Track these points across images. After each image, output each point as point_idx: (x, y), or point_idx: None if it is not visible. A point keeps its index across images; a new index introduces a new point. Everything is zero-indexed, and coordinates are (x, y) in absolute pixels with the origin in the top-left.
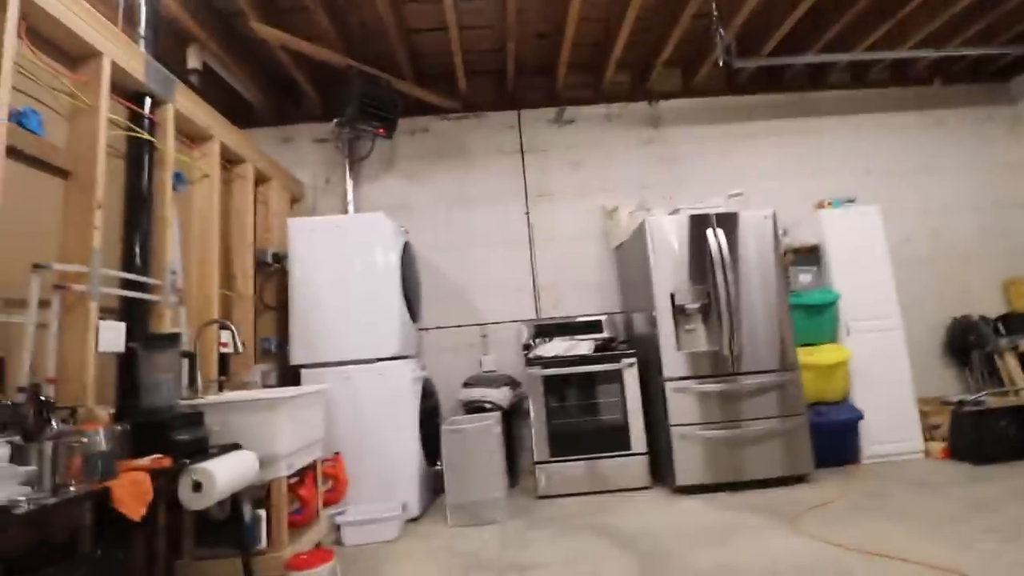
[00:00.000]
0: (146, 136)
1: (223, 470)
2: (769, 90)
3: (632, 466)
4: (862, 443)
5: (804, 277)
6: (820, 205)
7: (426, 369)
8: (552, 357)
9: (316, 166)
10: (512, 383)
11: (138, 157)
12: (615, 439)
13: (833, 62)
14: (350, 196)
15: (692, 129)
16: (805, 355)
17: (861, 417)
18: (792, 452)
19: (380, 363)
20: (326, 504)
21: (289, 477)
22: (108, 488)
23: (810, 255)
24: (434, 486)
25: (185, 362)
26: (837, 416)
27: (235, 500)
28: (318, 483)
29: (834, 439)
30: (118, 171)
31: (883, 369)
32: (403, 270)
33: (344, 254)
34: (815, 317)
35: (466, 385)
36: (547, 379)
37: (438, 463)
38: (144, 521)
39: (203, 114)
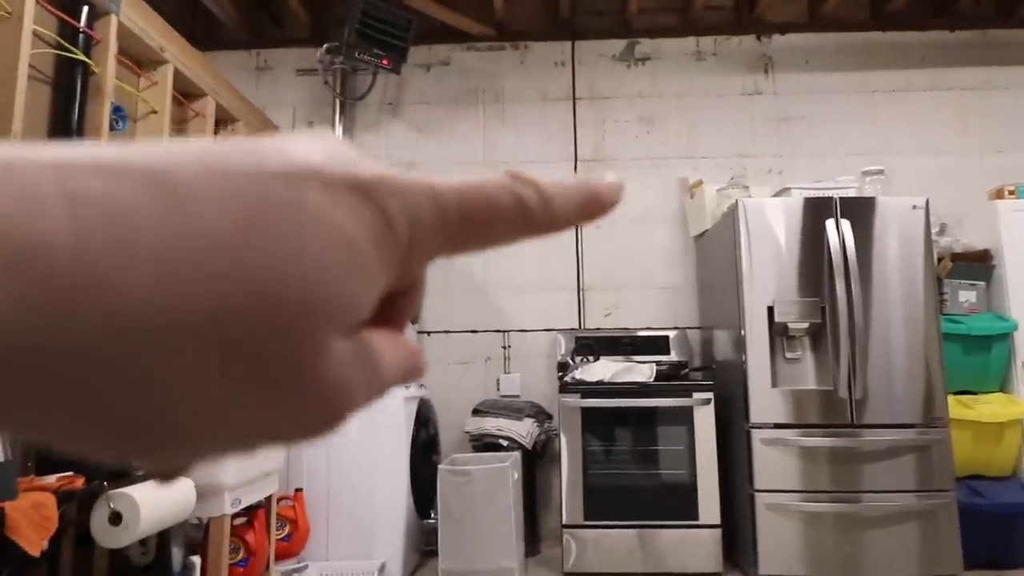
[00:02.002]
0: (80, 56)
1: (150, 499)
2: (934, 24)
3: (698, 543)
4: None
5: (967, 295)
6: (998, 194)
7: (424, 387)
8: (597, 383)
9: (298, 105)
10: (539, 414)
11: (69, 83)
12: (676, 503)
13: None
14: None
15: (816, 77)
16: (960, 407)
17: None
18: (932, 544)
19: None
20: (280, 556)
21: (234, 516)
22: (2, 511)
23: (977, 264)
24: (425, 545)
25: None
26: (1002, 497)
27: (162, 540)
28: (271, 527)
29: (995, 530)
30: (42, 100)
31: None
32: None
33: None
34: (978, 353)
35: (477, 413)
36: (588, 412)
37: (432, 515)
38: (44, 558)
39: (155, 31)
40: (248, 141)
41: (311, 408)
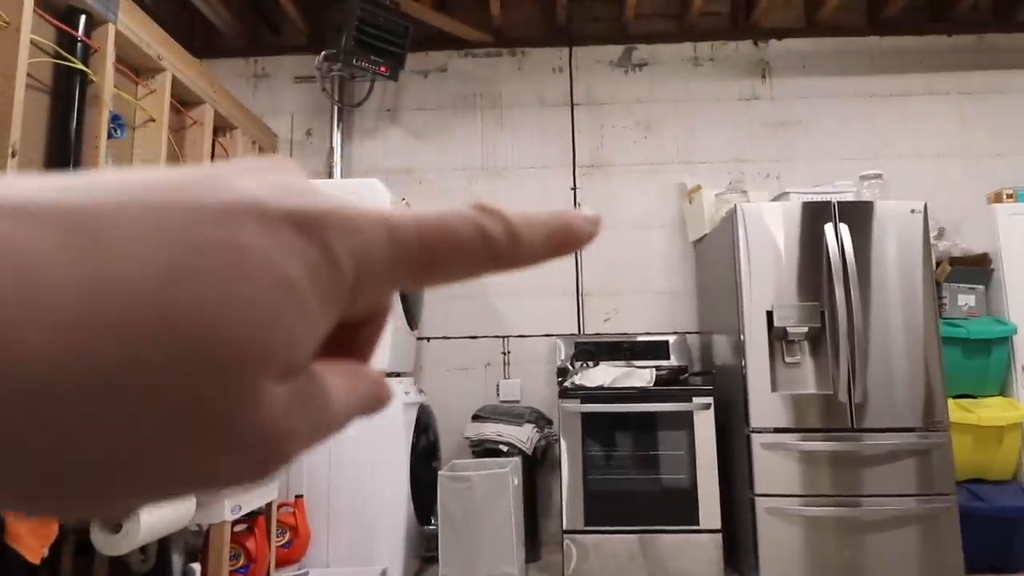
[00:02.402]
0: (78, 65)
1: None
2: (931, 29)
3: (699, 547)
4: None
5: (966, 299)
6: (996, 198)
7: (424, 393)
8: (596, 388)
9: (296, 112)
10: (539, 419)
11: (67, 92)
12: (677, 508)
13: None
14: (338, 154)
15: (814, 82)
16: (960, 410)
17: None
18: (932, 548)
19: None
20: (280, 563)
21: (234, 523)
22: (2, 520)
23: (976, 268)
24: (425, 551)
25: None
26: (1002, 501)
27: (163, 548)
28: (271, 534)
29: (996, 534)
30: (40, 109)
31: None
32: None
33: None
34: (978, 357)
35: (477, 418)
36: (588, 417)
37: (432, 521)
38: (44, 566)
39: (152, 39)
40: (195, 172)
41: (245, 456)
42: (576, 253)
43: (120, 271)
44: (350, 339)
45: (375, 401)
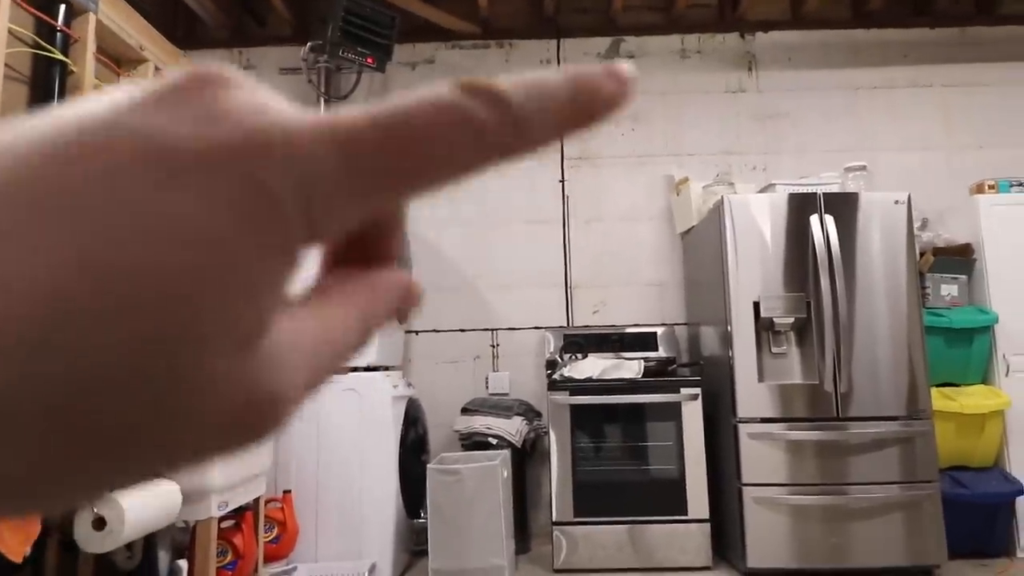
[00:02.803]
0: (58, 55)
1: (135, 503)
2: (915, 22)
3: (687, 537)
4: (1019, 528)
5: (948, 289)
6: (979, 189)
7: (413, 386)
8: (585, 380)
9: None
10: (528, 412)
11: (46, 83)
12: (666, 498)
13: None
14: None
15: (800, 75)
16: (943, 399)
17: (1020, 492)
18: (916, 534)
19: (352, 374)
20: (269, 558)
21: (221, 519)
22: None
23: (959, 259)
24: (415, 544)
25: None
26: (984, 487)
27: (149, 545)
28: (259, 529)
29: (978, 520)
30: (19, 100)
31: None
32: None
33: None
34: (960, 346)
35: (466, 411)
36: (576, 409)
37: (421, 514)
38: (27, 564)
39: (134, 29)
40: (91, 111)
41: (225, 428)
42: (564, 245)
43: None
44: (366, 246)
45: (401, 307)
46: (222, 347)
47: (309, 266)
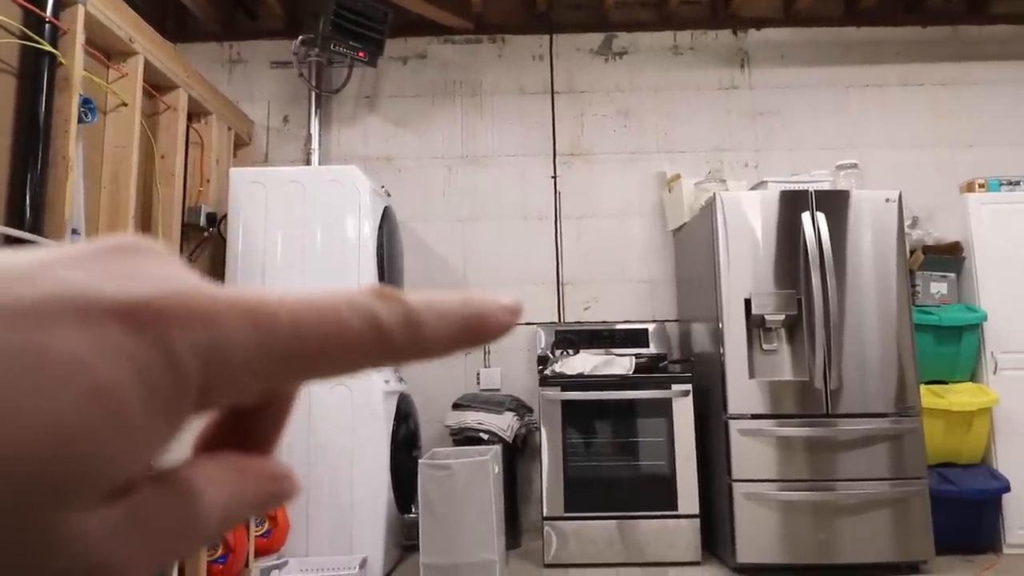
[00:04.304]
0: (47, 47)
1: None
2: (906, 20)
3: (677, 532)
4: (1005, 524)
5: (938, 287)
6: (969, 187)
7: (404, 382)
8: (576, 376)
9: (272, 99)
10: (519, 407)
11: (35, 75)
12: (656, 494)
13: None
14: (315, 142)
15: (792, 72)
16: (932, 396)
17: (1006, 489)
18: (904, 530)
19: None
20: (260, 552)
21: None
22: None
23: (948, 257)
24: (406, 539)
25: None
26: (971, 484)
27: None
28: (250, 523)
29: (965, 516)
30: (7, 92)
31: None
32: (381, 245)
33: (303, 218)
34: (949, 344)
35: (457, 407)
36: (567, 405)
37: (413, 509)
38: None
39: (124, 21)
40: (21, 262)
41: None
42: (556, 242)
43: None
44: (248, 427)
45: (269, 499)
46: (88, 496)
47: (184, 438)
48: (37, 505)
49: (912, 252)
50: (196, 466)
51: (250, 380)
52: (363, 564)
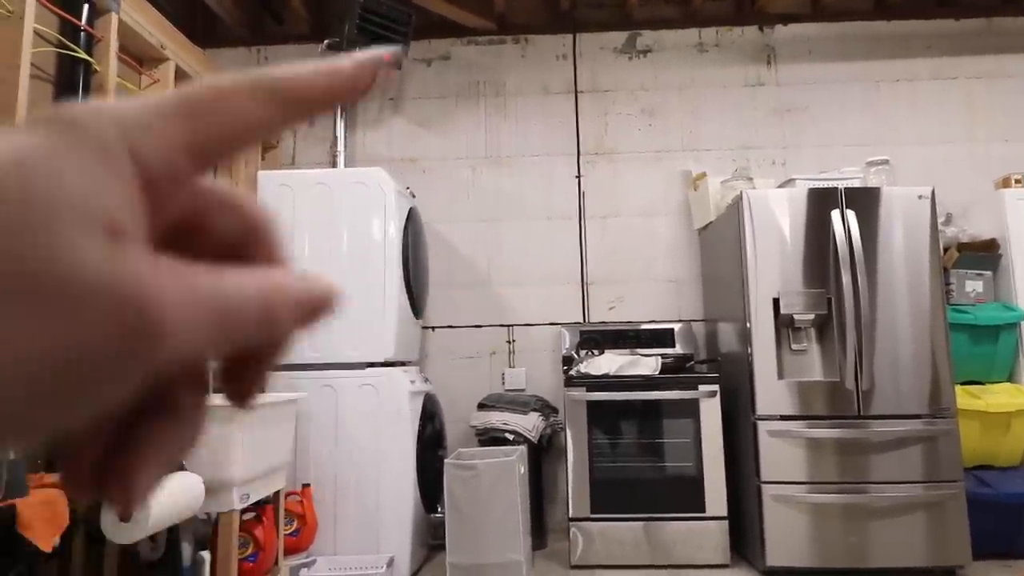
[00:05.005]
0: (82, 54)
1: (160, 495)
2: (937, 13)
3: (705, 534)
4: None
5: (973, 285)
6: (1005, 183)
7: (429, 382)
8: (602, 376)
9: None
10: (545, 408)
11: (71, 81)
12: (683, 495)
13: None
14: (341, 144)
15: (820, 68)
16: (968, 397)
17: None
18: (939, 534)
19: (370, 369)
20: (289, 551)
21: (243, 511)
22: (14, 508)
23: (984, 254)
24: (432, 539)
25: None
26: (1010, 487)
27: (172, 536)
28: (280, 522)
29: (1003, 520)
30: (45, 98)
31: None
32: (406, 246)
33: (329, 220)
34: (986, 343)
35: (482, 407)
36: (593, 406)
37: (439, 509)
38: (55, 554)
39: (155, 28)
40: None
41: (101, 314)
42: (580, 241)
43: None
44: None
45: (308, 300)
46: (79, 219)
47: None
48: (37, 220)
49: (946, 250)
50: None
51: (166, 130)
52: (390, 563)
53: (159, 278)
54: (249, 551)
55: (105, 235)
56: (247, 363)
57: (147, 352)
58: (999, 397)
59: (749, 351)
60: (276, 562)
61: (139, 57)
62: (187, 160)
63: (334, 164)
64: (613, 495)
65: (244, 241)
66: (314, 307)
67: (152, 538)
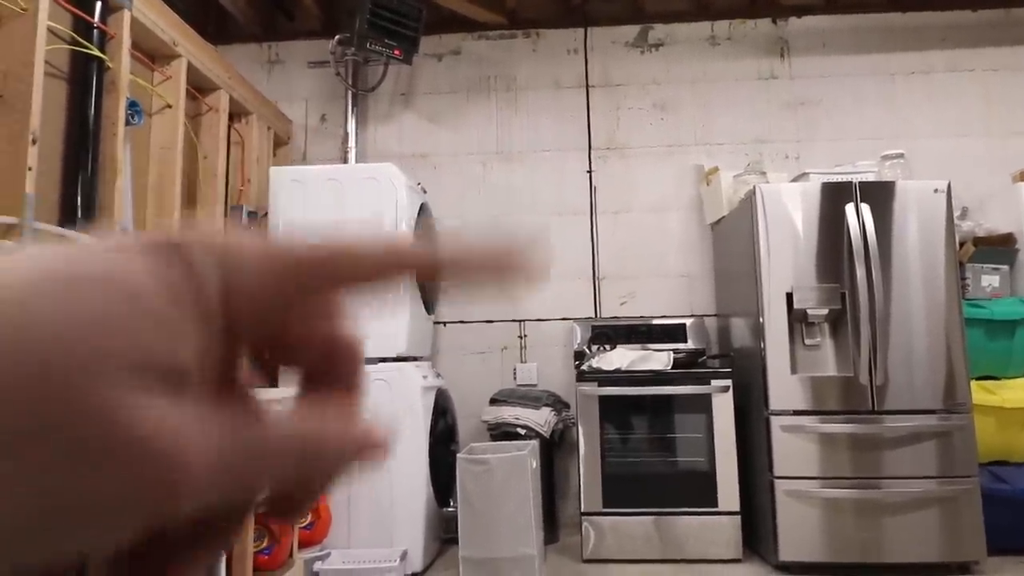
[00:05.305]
0: (95, 52)
1: None
2: (954, 4)
3: (718, 529)
4: None
5: (990, 280)
6: (1022, 177)
7: (442, 377)
8: (614, 371)
9: (310, 98)
10: (556, 403)
11: (84, 79)
12: (696, 490)
13: None
14: (352, 140)
15: (834, 60)
16: (983, 392)
17: None
18: (954, 530)
19: (382, 365)
20: (303, 544)
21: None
22: None
23: (1001, 248)
24: (445, 533)
25: None
26: None
27: None
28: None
29: (1019, 516)
30: (58, 96)
31: None
32: None
33: (342, 216)
34: (1002, 338)
35: (494, 402)
36: (605, 400)
37: (451, 503)
38: None
39: (167, 25)
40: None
41: (130, 468)
42: (592, 236)
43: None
44: (330, 379)
45: (351, 447)
46: (131, 373)
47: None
48: (76, 369)
49: (962, 244)
50: (294, 408)
51: (271, 295)
52: (403, 556)
53: (196, 434)
54: (264, 544)
55: (152, 379)
56: (292, 492)
57: (170, 503)
58: (1016, 393)
59: (762, 346)
60: (291, 555)
61: (151, 54)
62: (291, 300)
63: (345, 160)
64: (625, 490)
65: (328, 359)
66: (362, 454)
67: None
